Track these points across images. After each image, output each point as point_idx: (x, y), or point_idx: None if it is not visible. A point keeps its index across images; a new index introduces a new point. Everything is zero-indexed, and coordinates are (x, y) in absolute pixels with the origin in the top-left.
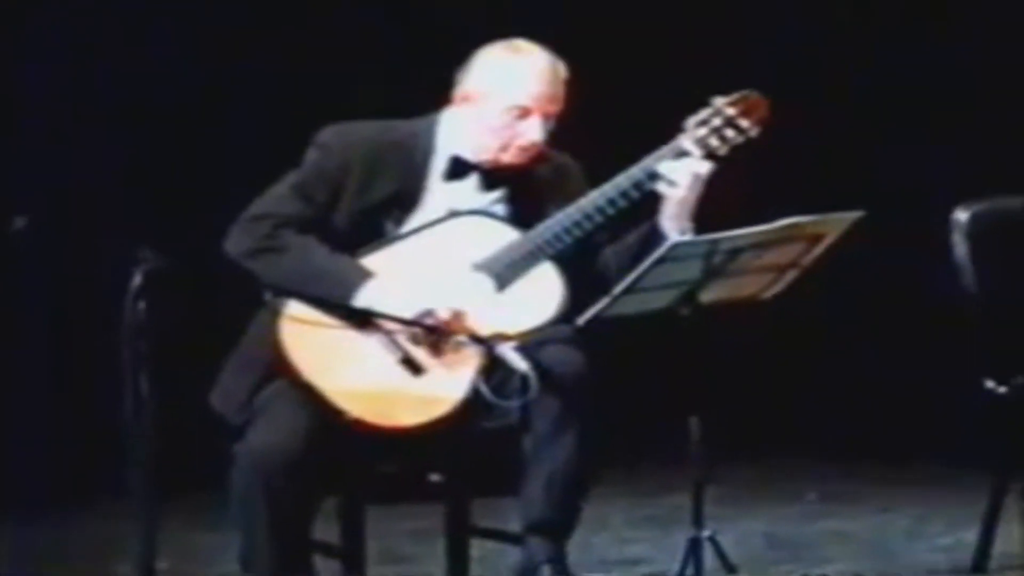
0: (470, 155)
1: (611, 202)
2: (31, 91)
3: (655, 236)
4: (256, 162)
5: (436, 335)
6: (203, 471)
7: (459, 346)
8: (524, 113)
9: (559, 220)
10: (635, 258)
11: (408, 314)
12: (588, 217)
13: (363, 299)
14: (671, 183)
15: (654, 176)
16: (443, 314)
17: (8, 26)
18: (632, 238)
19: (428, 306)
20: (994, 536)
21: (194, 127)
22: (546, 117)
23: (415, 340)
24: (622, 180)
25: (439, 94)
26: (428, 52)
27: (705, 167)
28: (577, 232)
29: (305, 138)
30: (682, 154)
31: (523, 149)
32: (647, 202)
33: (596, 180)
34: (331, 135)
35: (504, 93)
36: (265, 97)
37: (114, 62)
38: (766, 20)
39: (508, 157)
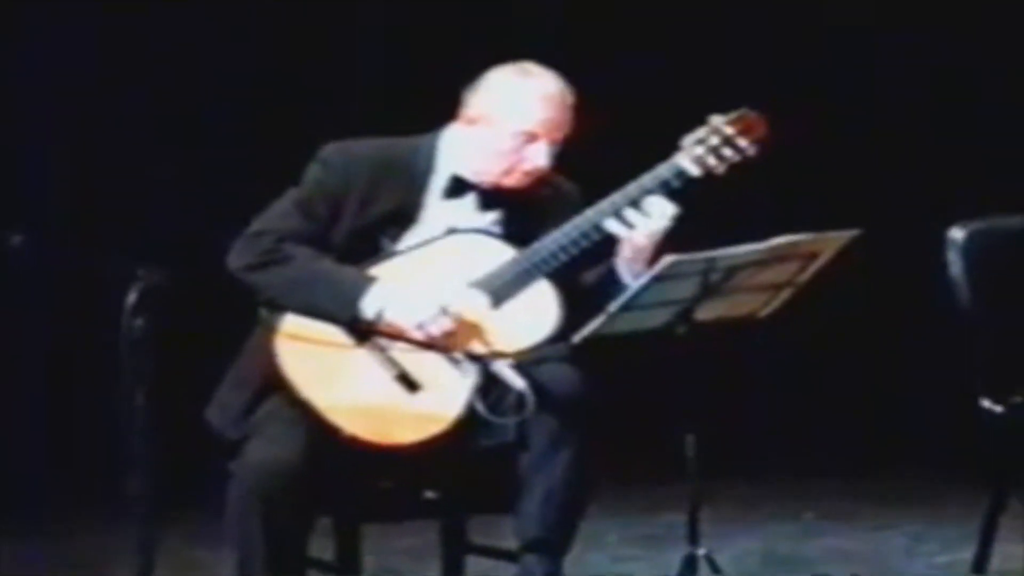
0: (471, 175)
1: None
2: (27, 106)
3: (611, 279)
4: (254, 178)
5: (433, 352)
6: (200, 486)
7: (455, 363)
8: (532, 138)
9: (556, 238)
10: (592, 293)
11: (422, 315)
12: (585, 235)
13: (372, 303)
14: (629, 227)
15: (649, 193)
16: (455, 312)
17: (5, 39)
18: (590, 277)
19: (442, 304)
20: (991, 553)
21: (191, 142)
22: (553, 143)
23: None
24: (618, 198)
25: (439, 110)
26: (427, 70)
27: (664, 222)
28: (574, 250)
29: (305, 153)
30: (680, 174)
31: (527, 174)
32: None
33: (595, 201)
34: (333, 152)
35: (513, 118)
36: (265, 112)
37: (111, 77)
38: (765, 38)
39: (511, 181)
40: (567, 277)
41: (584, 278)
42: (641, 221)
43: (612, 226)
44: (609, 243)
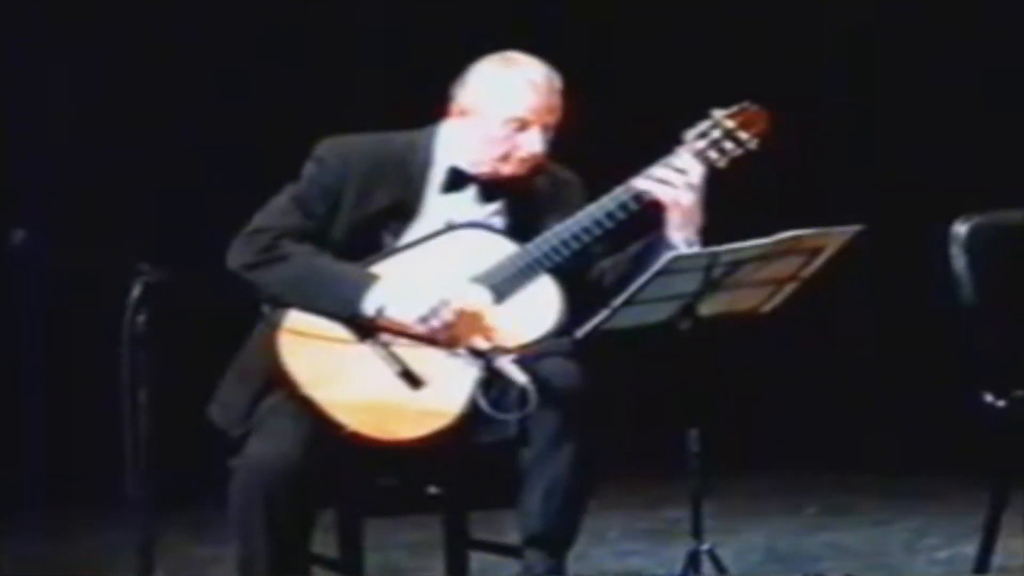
0: (468, 167)
1: (609, 215)
2: (28, 103)
3: (660, 244)
4: (254, 174)
5: (436, 347)
6: (201, 483)
7: (458, 358)
8: (523, 125)
9: (557, 233)
10: (637, 265)
11: (423, 309)
12: (586, 230)
13: (373, 301)
14: (665, 183)
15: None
16: (457, 306)
17: (4, 37)
18: (636, 246)
19: (440, 300)
20: (993, 549)
21: (192, 138)
22: (545, 128)
23: (416, 352)
24: (620, 192)
25: (436, 105)
26: (425, 63)
27: (695, 166)
28: (575, 245)
29: (303, 148)
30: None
31: (523, 160)
32: (648, 216)
33: (597, 194)
34: (328, 148)
35: (501, 106)
36: (264, 107)
37: (112, 74)
38: (764, 32)
39: (508, 169)
40: (575, 271)
41: (597, 269)
42: (675, 177)
43: (649, 187)
44: (618, 236)
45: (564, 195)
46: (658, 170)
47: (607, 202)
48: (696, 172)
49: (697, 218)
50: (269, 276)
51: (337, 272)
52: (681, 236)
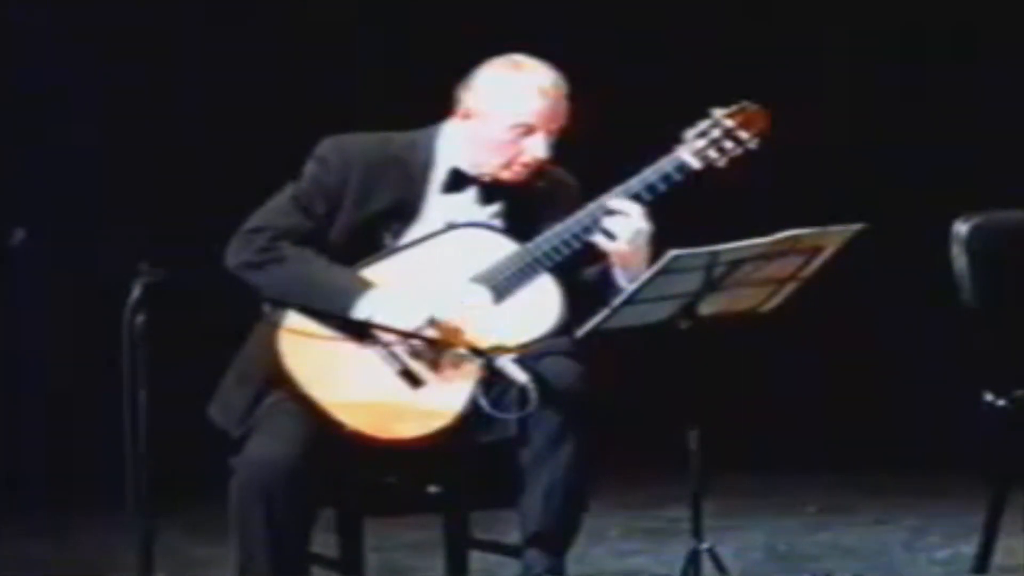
0: (469, 169)
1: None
2: (29, 103)
3: (606, 281)
4: (254, 173)
5: (435, 348)
6: (200, 483)
7: (458, 359)
8: (529, 131)
9: (558, 232)
10: (591, 295)
11: (410, 324)
12: (587, 229)
13: (363, 310)
14: (610, 236)
15: (652, 189)
16: (447, 322)
17: (6, 37)
18: (589, 273)
19: (431, 314)
20: (993, 548)
21: (192, 138)
22: (550, 133)
23: (415, 353)
24: (620, 191)
25: (437, 105)
26: (427, 63)
27: (644, 224)
28: (576, 244)
29: (305, 148)
30: (681, 167)
31: (526, 166)
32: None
33: (595, 194)
34: (329, 148)
35: (508, 111)
36: (265, 107)
37: (112, 73)
38: (764, 31)
39: (510, 174)
40: (566, 272)
41: (584, 273)
42: (619, 228)
43: (595, 238)
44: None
45: (562, 198)
46: (605, 219)
47: (606, 201)
48: (636, 214)
49: (637, 262)
50: (265, 277)
51: (329, 278)
52: (621, 273)
